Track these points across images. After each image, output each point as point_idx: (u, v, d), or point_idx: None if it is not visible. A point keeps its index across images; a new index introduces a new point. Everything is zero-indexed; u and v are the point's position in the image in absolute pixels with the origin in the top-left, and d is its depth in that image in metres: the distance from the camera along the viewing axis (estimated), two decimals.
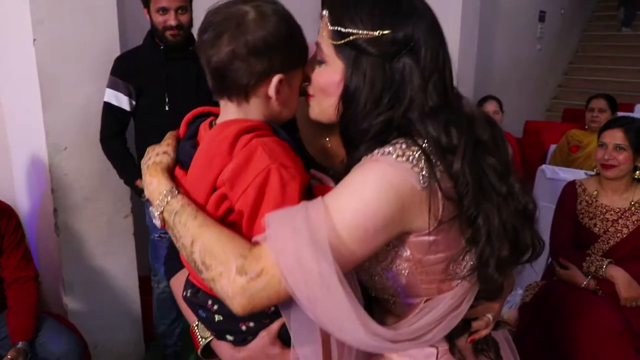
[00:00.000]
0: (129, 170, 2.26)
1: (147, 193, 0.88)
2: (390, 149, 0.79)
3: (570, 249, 2.20)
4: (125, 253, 2.48)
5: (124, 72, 2.21)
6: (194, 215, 0.82)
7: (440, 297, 0.88)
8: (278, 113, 0.90)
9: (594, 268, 2.08)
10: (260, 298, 0.76)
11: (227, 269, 0.75)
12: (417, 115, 0.81)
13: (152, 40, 2.26)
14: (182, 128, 0.96)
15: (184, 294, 0.98)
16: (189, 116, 0.96)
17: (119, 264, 2.47)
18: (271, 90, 0.86)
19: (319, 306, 0.76)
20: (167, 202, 0.84)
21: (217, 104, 0.94)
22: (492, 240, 0.82)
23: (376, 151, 0.80)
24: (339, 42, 0.83)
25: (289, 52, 0.86)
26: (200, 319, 0.96)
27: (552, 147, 4.19)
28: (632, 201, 2.15)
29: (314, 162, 1.02)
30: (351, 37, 0.82)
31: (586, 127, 3.82)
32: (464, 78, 4.32)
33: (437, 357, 0.91)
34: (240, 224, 0.82)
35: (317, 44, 0.88)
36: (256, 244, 0.78)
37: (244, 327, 0.90)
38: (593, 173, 2.37)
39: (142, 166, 0.92)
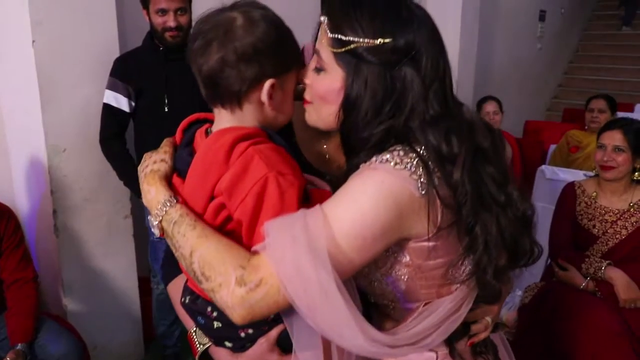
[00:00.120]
0: (128, 171, 2.24)
1: (145, 202, 0.88)
2: (388, 156, 0.79)
3: (569, 250, 2.20)
4: (124, 254, 2.48)
5: (123, 73, 2.20)
6: (192, 225, 0.81)
7: (439, 300, 0.88)
8: (273, 118, 0.89)
9: (593, 269, 2.08)
10: (259, 308, 0.76)
11: (226, 280, 0.75)
12: (417, 123, 0.80)
13: (152, 42, 2.26)
14: (178, 135, 0.95)
15: (183, 300, 0.97)
16: (184, 123, 0.96)
17: (118, 265, 2.47)
18: (264, 95, 0.85)
19: (318, 314, 0.76)
20: (165, 212, 0.84)
21: None
22: (489, 249, 0.82)
23: (374, 158, 0.80)
24: (339, 50, 0.82)
25: (280, 57, 0.85)
26: (198, 325, 0.96)
27: (552, 147, 4.18)
28: (631, 202, 2.15)
29: (311, 167, 1.01)
30: (352, 46, 0.81)
31: (586, 127, 3.81)
32: (464, 78, 4.32)
33: None
34: (239, 232, 0.82)
35: (316, 51, 0.87)
36: (255, 253, 0.78)
37: (242, 334, 0.90)
38: (591, 174, 2.37)
39: (139, 173, 0.92)
